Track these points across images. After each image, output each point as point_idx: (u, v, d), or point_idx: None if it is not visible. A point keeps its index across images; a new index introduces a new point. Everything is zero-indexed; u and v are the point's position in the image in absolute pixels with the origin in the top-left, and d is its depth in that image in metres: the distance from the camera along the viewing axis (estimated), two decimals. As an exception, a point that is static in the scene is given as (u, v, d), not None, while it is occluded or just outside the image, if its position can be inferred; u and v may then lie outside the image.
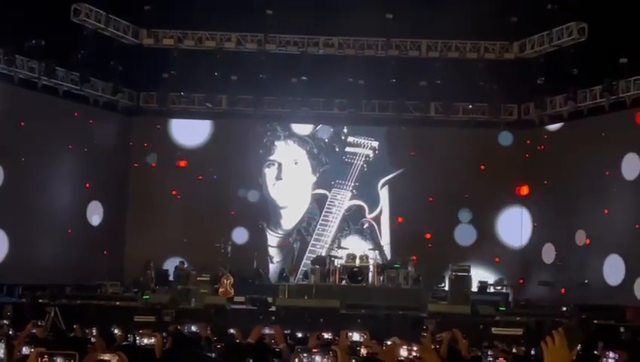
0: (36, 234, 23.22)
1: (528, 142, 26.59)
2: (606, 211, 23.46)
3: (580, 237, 24.27)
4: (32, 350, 5.53)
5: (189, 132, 27.49)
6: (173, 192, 26.87)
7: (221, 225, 26.37)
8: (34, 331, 9.77)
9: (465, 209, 26.52)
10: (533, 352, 12.15)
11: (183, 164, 27.01)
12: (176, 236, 26.09)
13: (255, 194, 27.21)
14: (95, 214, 25.42)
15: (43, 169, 23.73)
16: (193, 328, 11.57)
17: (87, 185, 25.49)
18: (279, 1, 24.86)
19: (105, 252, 25.06)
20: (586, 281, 23.14)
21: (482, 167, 26.39)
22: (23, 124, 23.16)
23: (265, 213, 27.50)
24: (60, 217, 24.31)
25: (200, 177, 26.92)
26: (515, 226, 26.67)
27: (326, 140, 27.71)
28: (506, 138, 27.01)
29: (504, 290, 24.54)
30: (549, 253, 25.66)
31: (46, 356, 4.68)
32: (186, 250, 25.38)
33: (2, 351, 5.80)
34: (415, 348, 6.22)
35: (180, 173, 26.85)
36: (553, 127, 25.53)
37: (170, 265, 25.42)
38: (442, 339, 8.20)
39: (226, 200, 26.98)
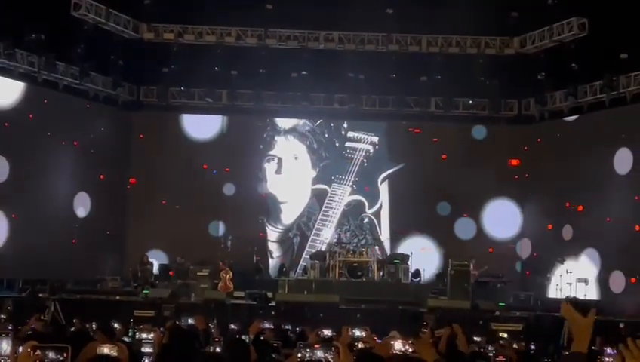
0: (37, 227, 23.22)
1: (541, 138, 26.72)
2: (581, 206, 24.06)
3: (567, 232, 24.57)
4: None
5: (189, 126, 27.47)
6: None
7: (219, 219, 26.42)
8: (33, 325, 9.77)
9: (443, 202, 26.54)
10: (533, 347, 12.18)
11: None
12: (175, 230, 26.07)
13: (231, 187, 27.11)
14: (82, 206, 25.26)
15: (44, 163, 23.72)
16: (190, 321, 11.56)
17: (102, 176, 25.74)
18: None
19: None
20: (586, 278, 23.19)
21: (482, 161, 26.37)
22: (31, 116, 23.25)
23: (264, 208, 27.51)
24: (60, 211, 24.31)
25: (214, 171, 26.96)
26: (511, 220, 26.76)
27: (326, 135, 27.71)
28: (479, 132, 27.08)
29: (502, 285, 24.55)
30: (525, 248, 26.29)
31: (38, 349, 4.65)
32: (184, 244, 25.34)
33: (9, 347, 5.76)
34: (410, 342, 6.21)
35: (180, 168, 26.83)
36: (570, 118, 25.31)
37: (159, 259, 25.43)
38: (441, 335, 8.20)
39: (225, 194, 26.99)
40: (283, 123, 27.82)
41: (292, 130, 27.81)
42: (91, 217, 25.16)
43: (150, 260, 24.69)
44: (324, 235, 27.01)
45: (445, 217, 26.56)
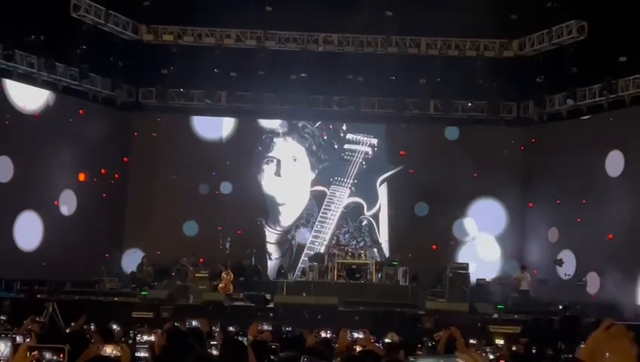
0: (36, 228, 23.26)
1: (533, 140, 26.83)
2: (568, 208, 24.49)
3: (553, 235, 24.96)
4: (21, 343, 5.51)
5: (188, 128, 27.45)
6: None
7: (218, 220, 26.38)
8: (29, 327, 9.74)
9: (422, 203, 26.56)
10: (534, 351, 12.17)
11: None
12: (173, 232, 26.11)
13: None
14: (81, 206, 25.29)
15: (46, 164, 23.74)
16: (194, 323, 11.59)
17: (119, 174, 26.42)
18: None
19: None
20: (585, 279, 23.29)
21: (480, 164, 26.37)
22: (37, 115, 23.45)
23: (263, 210, 27.51)
24: (59, 211, 24.30)
25: (213, 172, 26.95)
26: (500, 220, 26.91)
27: (325, 137, 27.71)
28: (452, 133, 27.12)
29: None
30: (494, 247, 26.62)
31: (35, 350, 4.66)
32: (182, 245, 25.33)
33: (8, 349, 5.77)
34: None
35: (179, 168, 26.82)
36: (585, 117, 25.26)
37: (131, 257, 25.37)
38: (440, 338, 8.22)
39: (224, 196, 26.97)
40: (282, 125, 27.82)
41: (291, 132, 27.81)
42: (90, 218, 25.12)
43: (148, 261, 24.73)
44: (323, 237, 27.03)
45: (423, 217, 26.57)
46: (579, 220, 23.61)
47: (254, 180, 27.40)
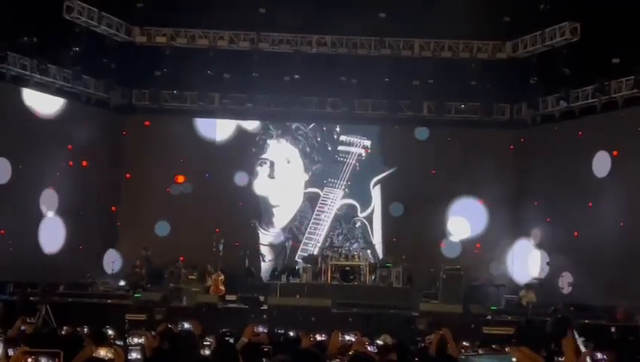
0: (31, 231, 23.24)
1: (522, 140, 26.96)
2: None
3: (535, 236, 25.24)
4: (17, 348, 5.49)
5: (181, 129, 27.40)
6: (167, 189, 26.80)
7: (210, 223, 26.36)
8: (23, 328, 9.71)
9: (396, 203, 26.57)
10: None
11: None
12: (167, 234, 26.08)
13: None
14: (77, 208, 25.25)
15: (41, 165, 23.71)
16: (186, 325, 11.58)
17: (112, 175, 26.48)
18: (272, 0, 24.85)
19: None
20: (572, 281, 23.42)
21: (474, 165, 26.38)
22: (37, 113, 23.44)
23: (257, 212, 27.49)
24: (51, 213, 24.26)
25: (207, 175, 26.89)
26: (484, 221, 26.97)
27: (318, 138, 27.71)
28: (422, 133, 27.12)
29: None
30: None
31: (32, 355, 4.64)
32: (176, 247, 25.29)
33: (0, 350, 5.75)
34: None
35: (172, 170, 26.79)
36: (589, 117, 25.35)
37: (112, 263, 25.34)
38: (432, 340, 8.22)
39: (217, 199, 26.92)
40: (275, 126, 27.81)
41: (284, 134, 27.80)
42: (83, 219, 25.07)
43: (141, 263, 24.67)
44: (317, 239, 27.02)
45: (398, 218, 26.57)
46: (548, 220, 24.27)
47: (248, 182, 27.37)
